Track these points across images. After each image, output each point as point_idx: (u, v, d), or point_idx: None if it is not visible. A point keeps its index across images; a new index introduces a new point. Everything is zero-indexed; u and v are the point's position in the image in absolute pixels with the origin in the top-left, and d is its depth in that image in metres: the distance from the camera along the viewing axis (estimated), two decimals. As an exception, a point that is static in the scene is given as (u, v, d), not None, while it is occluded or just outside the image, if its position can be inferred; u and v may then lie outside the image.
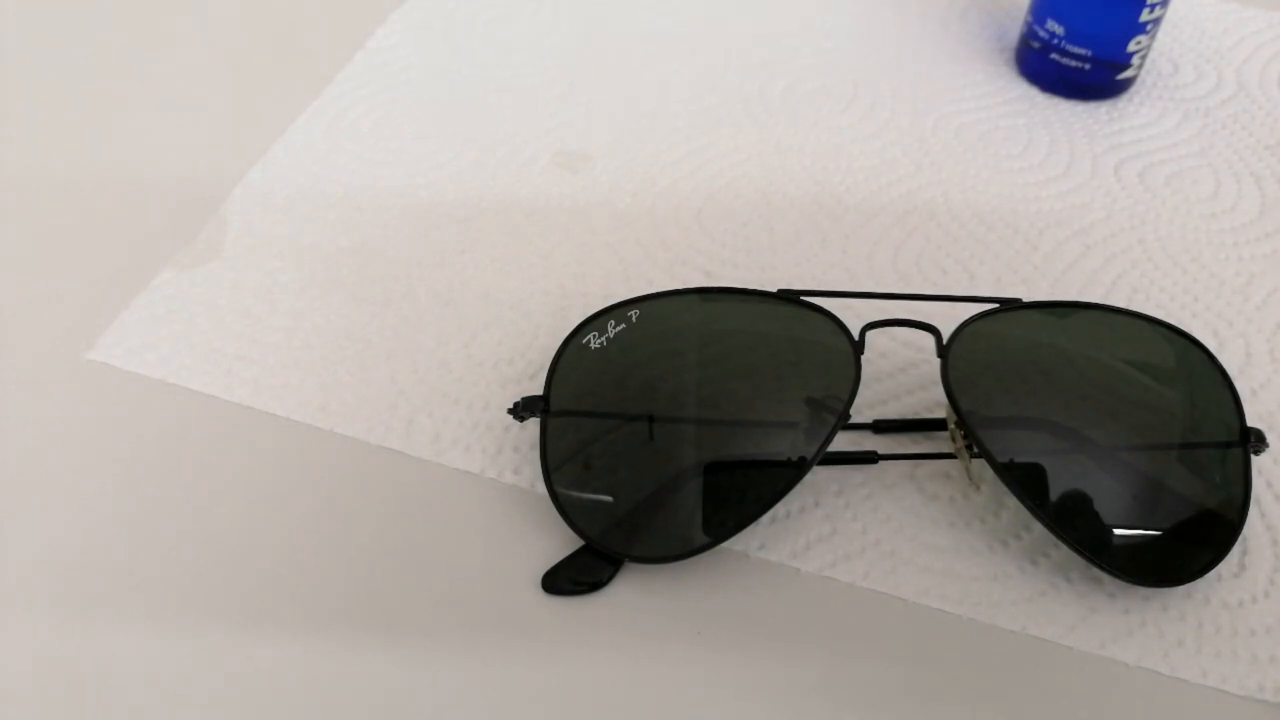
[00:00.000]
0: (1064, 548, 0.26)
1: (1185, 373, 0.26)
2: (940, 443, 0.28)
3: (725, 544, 0.26)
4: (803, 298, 0.27)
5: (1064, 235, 0.35)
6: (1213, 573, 0.26)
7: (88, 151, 0.37)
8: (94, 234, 0.34)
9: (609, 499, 0.25)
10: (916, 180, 0.37)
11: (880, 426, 0.28)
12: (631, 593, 0.25)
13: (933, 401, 0.29)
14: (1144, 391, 0.26)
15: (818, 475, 0.27)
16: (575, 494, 0.25)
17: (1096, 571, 0.25)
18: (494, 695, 0.24)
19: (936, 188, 0.36)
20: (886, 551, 0.26)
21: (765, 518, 0.26)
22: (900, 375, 0.30)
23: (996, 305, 0.27)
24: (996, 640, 0.25)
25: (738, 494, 0.25)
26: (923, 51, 0.43)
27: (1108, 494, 0.25)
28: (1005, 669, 0.24)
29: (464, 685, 0.24)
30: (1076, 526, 0.24)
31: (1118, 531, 0.24)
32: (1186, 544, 0.25)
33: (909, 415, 0.29)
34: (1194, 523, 0.25)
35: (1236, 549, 0.26)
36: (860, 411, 0.29)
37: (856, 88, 0.41)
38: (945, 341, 0.26)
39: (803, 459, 0.25)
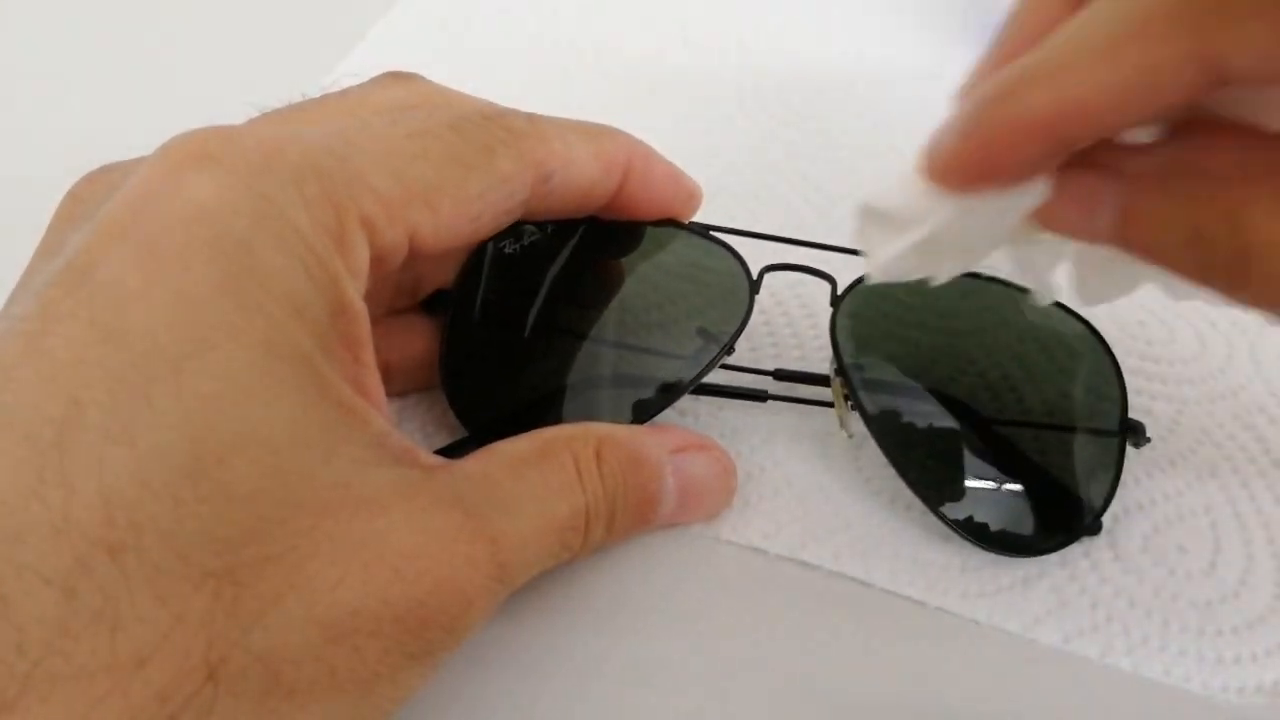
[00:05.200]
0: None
1: (1078, 358, 0.27)
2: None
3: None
4: (712, 232, 0.28)
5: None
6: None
7: (87, 141, 0.38)
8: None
9: (498, 400, 0.26)
10: (907, 175, 0.37)
11: (781, 375, 0.28)
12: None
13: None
14: (1030, 370, 0.27)
15: (788, 468, 0.28)
16: (467, 391, 0.26)
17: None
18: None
19: (927, 183, 0.36)
20: (858, 535, 0.26)
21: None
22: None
23: None
24: (961, 631, 0.25)
25: (617, 410, 0.25)
26: (921, 47, 0.43)
27: (971, 458, 0.26)
28: (967, 660, 0.24)
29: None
30: (931, 483, 0.25)
31: (972, 492, 0.25)
32: (1040, 520, 0.25)
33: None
34: (1052, 502, 0.26)
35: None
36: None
37: (851, 80, 0.41)
38: (839, 293, 0.27)
39: (681, 381, 0.26)
